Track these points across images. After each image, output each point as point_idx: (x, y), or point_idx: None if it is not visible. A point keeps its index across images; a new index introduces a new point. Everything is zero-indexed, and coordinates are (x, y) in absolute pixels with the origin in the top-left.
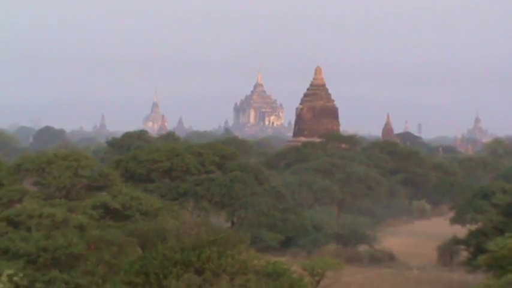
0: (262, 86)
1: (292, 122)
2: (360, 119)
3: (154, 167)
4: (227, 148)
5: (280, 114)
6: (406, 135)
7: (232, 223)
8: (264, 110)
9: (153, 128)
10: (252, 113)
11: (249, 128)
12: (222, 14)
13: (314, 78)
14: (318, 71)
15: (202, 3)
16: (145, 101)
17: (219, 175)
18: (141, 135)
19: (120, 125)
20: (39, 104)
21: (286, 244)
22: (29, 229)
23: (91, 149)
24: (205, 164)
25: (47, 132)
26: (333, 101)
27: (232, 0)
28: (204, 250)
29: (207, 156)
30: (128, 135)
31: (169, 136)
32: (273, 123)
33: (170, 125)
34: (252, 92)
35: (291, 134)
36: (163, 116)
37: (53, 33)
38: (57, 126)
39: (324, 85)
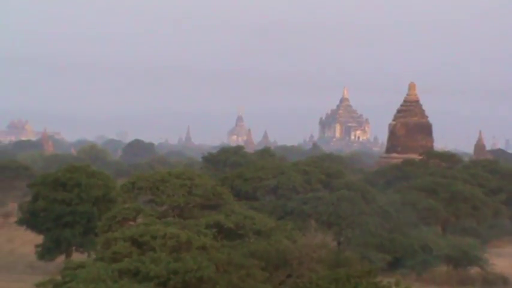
0: (348, 100)
1: (378, 137)
2: (446, 134)
3: (260, 184)
4: (332, 166)
5: (366, 128)
6: (499, 152)
7: (339, 243)
8: (349, 124)
9: (237, 142)
10: (338, 127)
11: (335, 143)
12: (309, 28)
13: (408, 94)
14: (411, 86)
15: (287, 18)
16: (229, 114)
17: (325, 193)
18: (237, 150)
19: (204, 138)
20: (125, 116)
21: (393, 265)
22: (153, 250)
23: (183, 163)
24: (311, 182)
25: (136, 146)
26: (427, 117)
27: (319, 14)
28: (360, 281)
29: (313, 174)
30: (223, 151)
31: (265, 152)
32: (358, 137)
33: (255, 139)
34: (337, 106)
35: (377, 149)
36: (249, 130)
37: (138, 45)
38: (141, 138)
39: (417, 101)
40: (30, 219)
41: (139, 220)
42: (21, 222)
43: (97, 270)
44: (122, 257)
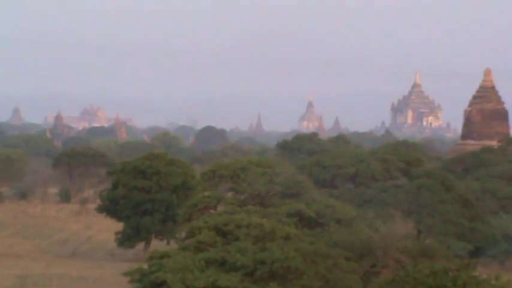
0: (420, 86)
1: (451, 123)
2: None
3: (339, 172)
4: (412, 154)
5: (439, 115)
6: None
7: (419, 232)
8: (422, 110)
9: (308, 128)
10: (410, 113)
11: (407, 129)
12: (382, 12)
13: (483, 80)
14: (487, 73)
15: (360, 2)
16: (300, 100)
17: (405, 182)
18: (311, 137)
19: (275, 124)
20: (195, 102)
21: (474, 254)
22: (237, 239)
23: (256, 150)
24: (390, 170)
25: (208, 132)
26: (503, 103)
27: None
28: (460, 275)
29: (392, 162)
30: (298, 138)
31: (340, 139)
32: (431, 124)
33: (326, 125)
34: (409, 92)
35: (449, 135)
36: (320, 116)
37: (206, 30)
38: (212, 124)
39: (493, 87)
40: (110, 207)
41: (220, 208)
42: (101, 209)
43: (183, 259)
44: (206, 246)
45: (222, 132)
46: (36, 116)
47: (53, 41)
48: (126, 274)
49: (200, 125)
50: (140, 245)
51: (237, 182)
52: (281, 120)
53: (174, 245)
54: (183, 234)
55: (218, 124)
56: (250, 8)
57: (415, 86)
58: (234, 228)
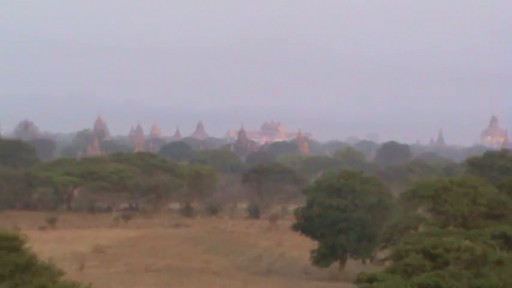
0: None
1: None
2: None
3: None
4: None
5: None
6: None
7: None
8: None
9: (491, 143)
10: None
11: None
12: None
13: None
14: None
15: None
16: (482, 114)
17: None
18: (504, 154)
19: (456, 139)
20: (373, 117)
21: None
22: (447, 263)
23: (441, 166)
24: None
25: (391, 147)
26: None
27: None
28: None
29: None
30: (489, 154)
31: None
32: None
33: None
34: None
35: None
36: (506, 130)
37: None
38: (391, 139)
39: None
40: (305, 225)
41: (421, 229)
42: (296, 227)
43: (395, 284)
44: (415, 269)
45: (404, 147)
46: (218, 130)
47: (235, 59)
48: None
49: (380, 140)
50: (335, 264)
51: (438, 203)
52: (463, 135)
53: (369, 265)
54: (382, 254)
55: (398, 139)
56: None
57: None
58: (443, 251)
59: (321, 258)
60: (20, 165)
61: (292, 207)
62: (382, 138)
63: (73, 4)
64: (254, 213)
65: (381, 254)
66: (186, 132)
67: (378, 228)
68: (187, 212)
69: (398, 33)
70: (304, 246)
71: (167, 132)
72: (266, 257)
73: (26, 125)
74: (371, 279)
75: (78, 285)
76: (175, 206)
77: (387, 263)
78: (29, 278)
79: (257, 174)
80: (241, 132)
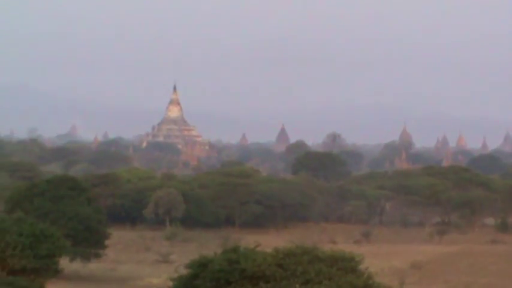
0: None
1: None
2: None
3: None
4: None
5: None
6: None
7: None
8: None
9: None
10: None
11: None
12: None
13: None
14: None
15: None
16: None
17: None
18: None
19: None
20: None
21: None
22: None
23: None
24: None
25: None
26: None
27: None
28: None
29: None
30: None
31: None
32: None
33: None
34: None
35: None
36: None
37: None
38: None
39: None
40: None
41: None
42: None
43: None
44: None
45: None
46: None
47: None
48: None
49: None
50: None
51: None
52: None
53: None
54: None
55: None
56: None
57: None
58: None
59: None
60: (330, 177)
61: None
62: None
63: None
64: None
65: None
66: (493, 143)
67: None
68: (503, 227)
69: None
70: None
71: (473, 144)
72: None
73: (333, 137)
74: None
75: None
76: (490, 221)
77: None
78: None
79: None
80: None
